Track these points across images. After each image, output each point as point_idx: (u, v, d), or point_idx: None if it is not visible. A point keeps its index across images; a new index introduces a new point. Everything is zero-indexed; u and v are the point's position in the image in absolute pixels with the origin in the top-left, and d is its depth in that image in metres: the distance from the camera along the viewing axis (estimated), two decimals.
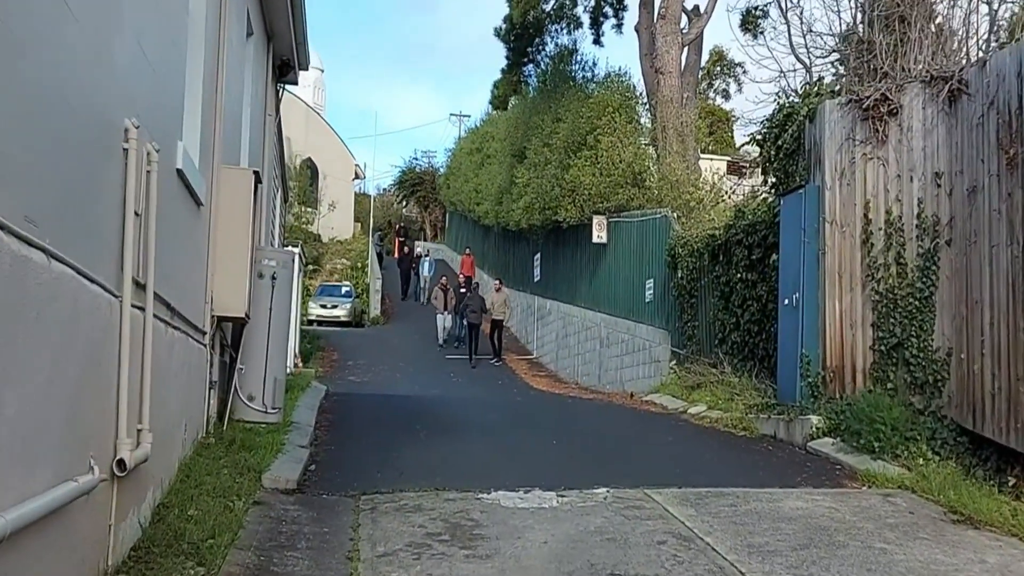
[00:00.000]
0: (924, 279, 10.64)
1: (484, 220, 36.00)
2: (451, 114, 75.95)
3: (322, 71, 64.32)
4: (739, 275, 14.27)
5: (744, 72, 47.40)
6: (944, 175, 10.55)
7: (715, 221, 16.53)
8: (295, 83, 17.53)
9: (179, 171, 7.60)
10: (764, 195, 14.05)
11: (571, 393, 21.09)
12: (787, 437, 11.38)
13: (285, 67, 16.33)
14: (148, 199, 6.45)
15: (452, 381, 24.43)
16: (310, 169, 52.48)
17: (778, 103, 12.71)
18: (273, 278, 10.63)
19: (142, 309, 6.39)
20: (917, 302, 10.66)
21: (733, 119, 48.73)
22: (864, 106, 10.78)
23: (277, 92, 16.98)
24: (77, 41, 4.65)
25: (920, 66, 11.17)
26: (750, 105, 58.93)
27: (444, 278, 31.20)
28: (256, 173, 9.97)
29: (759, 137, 12.93)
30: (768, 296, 13.48)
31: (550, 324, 28.21)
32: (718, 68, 46.68)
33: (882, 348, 10.92)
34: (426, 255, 41.17)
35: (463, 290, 29.83)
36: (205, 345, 9.31)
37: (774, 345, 13.42)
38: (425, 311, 36.00)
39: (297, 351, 26.08)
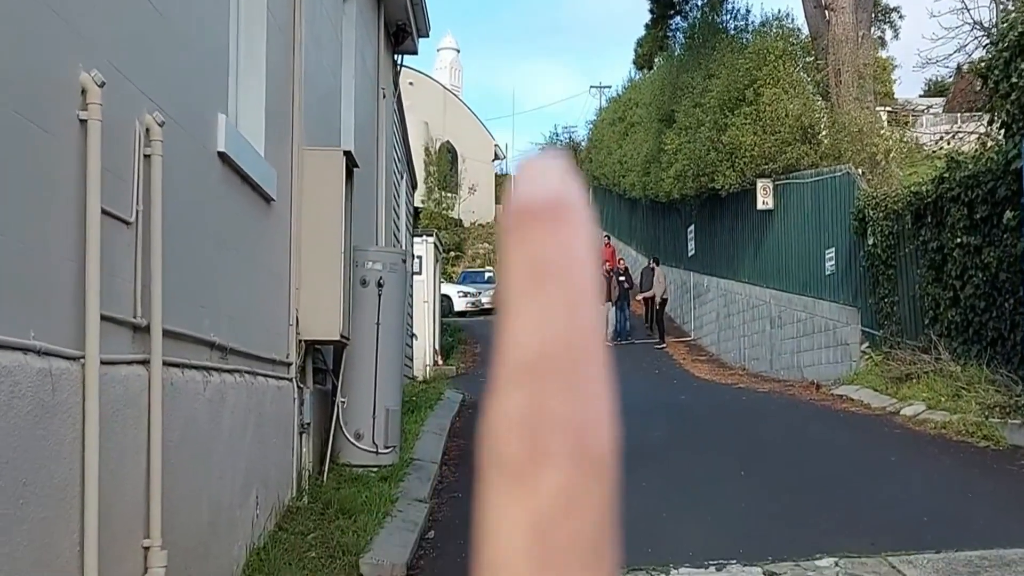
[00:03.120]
0: None
1: (630, 193, 33.48)
2: (591, 86, 73.26)
3: (458, 51, 62.62)
4: (957, 239, 11.49)
5: (901, 17, 43.69)
6: None
7: (917, 175, 13.70)
8: (414, 52, 15.40)
9: (222, 155, 5.53)
10: (985, 140, 11.23)
11: (740, 383, 18.52)
12: None
13: (401, 33, 14.25)
14: (149, 197, 4.38)
15: None
16: (449, 153, 50.73)
17: (1004, 19, 9.91)
18: (379, 285, 8.54)
19: (145, 363, 4.33)
20: None
21: (891, 67, 44.89)
22: None
23: (394, 63, 14.93)
24: None
25: None
26: (916, 47, 54.40)
27: (606, 263, 27.72)
28: (348, 154, 7.87)
29: (982, 66, 10.13)
30: (999, 264, 10.71)
31: (709, 303, 25.58)
32: (872, 15, 42.88)
33: None
34: None
35: (622, 278, 26.75)
36: (291, 379, 7.29)
37: (1010, 324, 10.69)
38: None
39: (437, 347, 24.26)
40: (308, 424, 7.62)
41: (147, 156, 4.32)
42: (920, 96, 41.68)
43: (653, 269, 26.05)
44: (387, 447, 8.51)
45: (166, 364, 4.50)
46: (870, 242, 14.39)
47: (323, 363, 8.52)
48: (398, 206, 16.48)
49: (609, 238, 34.84)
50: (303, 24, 7.56)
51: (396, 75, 15.24)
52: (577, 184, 0.40)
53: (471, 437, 10.85)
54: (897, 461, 8.95)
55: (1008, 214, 10.17)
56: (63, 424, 3.39)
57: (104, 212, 3.78)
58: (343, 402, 8.32)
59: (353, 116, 10.58)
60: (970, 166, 11.19)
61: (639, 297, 25.93)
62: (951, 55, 17.70)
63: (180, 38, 4.92)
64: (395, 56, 14.86)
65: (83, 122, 3.66)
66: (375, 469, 8.32)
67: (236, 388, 5.76)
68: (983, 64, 10.19)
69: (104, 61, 3.86)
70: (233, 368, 5.73)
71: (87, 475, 3.50)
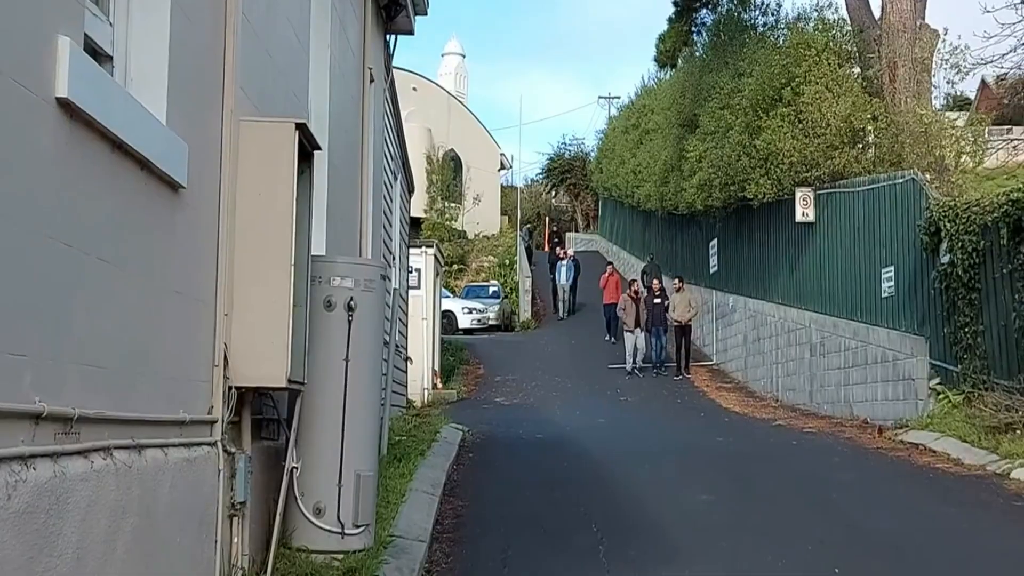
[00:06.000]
0: None
1: (645, 205, 31.33)
2: (600, 97, 71.44)
3: (463, 56, 60.61)
4: None
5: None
6: None
7: (1013, 182, 11.51)
8: (410, 32, 13.20)
9: (66, 104, 3.35)
10: None
11: (778, 419, 16.32)
12: None
13: (394, 6, 12.14)
14: None
15: (621, 402, 19.91)
16: (453, 161, 48.55)
17: None
18: (349, 308, 6.35)
19: None
20: None
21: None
22: None
23: (386, 44, 12.80)
24: None
25: None
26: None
27: (636, 283, 24.65)
28: (303, 128, 5.71)
29: None
30: None
31: (735, 324, 23.41)
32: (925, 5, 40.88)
33: None
34: (562, 259, 33.14)
35: (657, 300, 23.90)
36: (214, 443, 5.12)
37: None
38: (579, 318, 31.60)
39: (436, 368, 22.09)
40: (243, 503, 5.44)
41: None
42: (938, 110, 39.53)
43: (679, 289, 23.58)
44: (357, 525, 6.33)
45: None
46: (945, 260, 12.20)
47: (273, 410, 6.36)
48: (390, 211, 14.32)
49: (613, 267, 31.20)
50: None
51: (389, 58, 13.13)
52: None
53: (472, 496, 8.67)
54: None
55: None
56: None
57: None
58: (296, 467, 6.15)
59: (328, 94, 8.42)
60: None
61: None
62: (1006, 54, 15.48)
63: None
64: (387, 36, 12.76)
65: None
66: (340, 556, 6.17)
67: (95, 478, 3.59)
68: None
69: None
70: (88, 448, 3.57)
71: None
